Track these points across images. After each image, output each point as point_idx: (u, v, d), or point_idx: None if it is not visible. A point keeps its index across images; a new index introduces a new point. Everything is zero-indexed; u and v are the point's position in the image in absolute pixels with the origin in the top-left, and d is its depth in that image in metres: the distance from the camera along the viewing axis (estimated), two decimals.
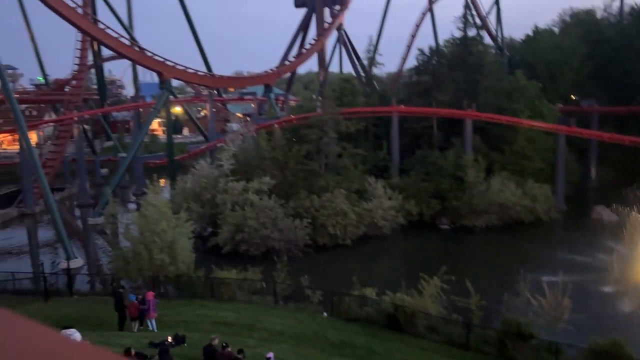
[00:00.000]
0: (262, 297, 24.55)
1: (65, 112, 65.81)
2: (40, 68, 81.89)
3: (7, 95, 39.64)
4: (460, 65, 52.03)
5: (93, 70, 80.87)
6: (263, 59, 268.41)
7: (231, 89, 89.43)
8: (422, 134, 47.39)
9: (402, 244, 39.65)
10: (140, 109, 70.27)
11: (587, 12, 79.13)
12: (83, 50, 70.06)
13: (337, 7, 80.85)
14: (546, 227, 41.42)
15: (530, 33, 71.85)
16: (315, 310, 23.16)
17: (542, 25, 75.35)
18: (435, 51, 55.91)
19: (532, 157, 45.66)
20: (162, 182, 53.35)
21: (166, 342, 15.27)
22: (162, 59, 49.97)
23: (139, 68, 75.94)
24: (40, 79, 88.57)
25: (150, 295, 19.65)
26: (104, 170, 69.60)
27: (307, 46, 78.92)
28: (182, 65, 53.00)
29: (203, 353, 14.91)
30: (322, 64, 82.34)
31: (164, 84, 50.47)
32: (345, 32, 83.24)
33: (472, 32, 54.42)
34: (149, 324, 19.54)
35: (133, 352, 13.98)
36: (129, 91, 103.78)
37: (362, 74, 76.24)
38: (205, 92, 73.50)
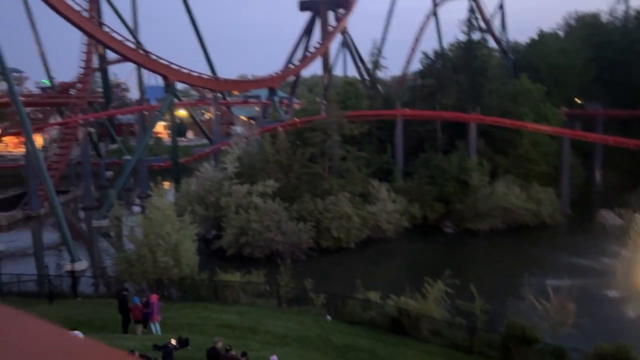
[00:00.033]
0: (265, 300, 24.55)
1: (71, 115, 66.12)
2: (46, 71, 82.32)
3: (13, 98, 39.84)
4: (465, 69, 52.00)
5: (98, 73, 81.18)
6: (267, 62, 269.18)
7: (235, 92, 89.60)
8: (426, 137, 47.35)
9: (406, 247, 39.58)
10: (145, 112, 70.51)
11: (592, 16, 78.89)
12: (88, 53, 70.48)
13: (342, 11, 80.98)
14: (551, 231, 41.27)
15: (535, 37, 71.76)
16: (318, 313, 23.13)
17: (546, 28, 75.34)
18: (440, 54, 55.88)
19: (536, 160, 45.53)
20: (167, 184, 53.42)
21: (170, 345, 15.28)
22: (167, 62, 50.17)
23: (144, 71, 76.18)
24: (46, 82, 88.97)
25: (154, 298, 19.67)
26: (109, 173, 69.84)
27: (312, 50, 79.06)
28: (186, 69, 53.19)
29: (206, 356, 14.92)
30: (327, 67, 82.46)
31: (168, 87, 50.64)
32: (350, 36, 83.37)
33: (476, 36, 54.40)
34: (153, 327, 19.55)
35: (137, 354, 13.99)
36: (134, 94, 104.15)
37: (366, 77, 76.27)
38: (209, 95, 73.78)
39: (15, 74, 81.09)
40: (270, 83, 70.05)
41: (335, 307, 23.33)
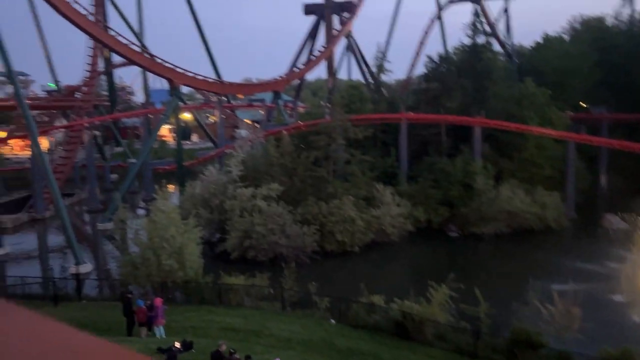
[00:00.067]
0: (269, 304, 24.53)
1: (76, 118, 66.42)
2: (52, 74, 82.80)
3: (19, 101, 40.08)
4: (469, 72, 51.97)
5: (103, 77, 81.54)
6: (272, 66, 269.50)
7: (240, 96, 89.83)
8: (431, 141, 47.32)
9: (410, 251, 39.51)
10: (150, 115, 70.76)
11: (597, 20, 78.77)
12: (94, 56, 70.84)
13: (346, 15, 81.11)
14: (556, 235, 41.12)
15: (540, 40, 71.69)
16: (322, 317, 23.11)
17: (551, 32, 75.26)
18: (444, 58, 55.92)
19: (541, 164, 45.42)
20: (171, 188, 53.64)
21: (174, 348, 15.29)
22: (172, 66, 50.36)
23: (149, 75, 76.50)
24: (52, 85, 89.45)
25: (158, 301, 19.69)
26: (114, 176, 70.07)
27: (316, 53, 79.19)
28: (192, 72, 53.36)
29: (210, 359, 14.92)
30: (331, 71, 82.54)
31: (173, 90, 50.82)
32: (354, 40, 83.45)
33: (481, 40, 54.38)
34: (157, 330, 19.57)
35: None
36: (139, 97, 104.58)
37: (371, 80, 76.32)
38: (214, 98, 73.96)
39: (21, 77, 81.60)
40: (274, 86, 70.18)
41: (339, 310, 23.30)
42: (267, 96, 77.66)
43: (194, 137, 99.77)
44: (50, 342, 0.99)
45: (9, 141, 77.50)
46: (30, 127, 39.13)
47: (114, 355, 1.03)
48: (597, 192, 52.47)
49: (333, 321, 22.80)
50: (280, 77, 72.18)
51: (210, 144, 76.53)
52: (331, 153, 41.21)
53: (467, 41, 54.39)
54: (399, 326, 21.27)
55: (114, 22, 74.44)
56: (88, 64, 71.44)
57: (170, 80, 50.46)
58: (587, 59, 62.97)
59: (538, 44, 71.86)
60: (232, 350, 15.04)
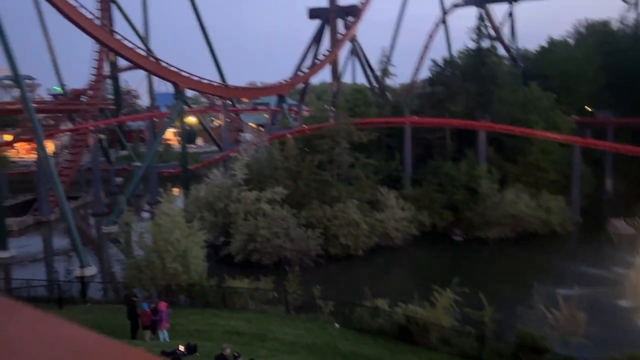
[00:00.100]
0: (274, 307, 24.53)
1: (82, 122, 66.73)
2: (58, 78, 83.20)
3: (26, 104, 40.30)
4: (474, 76, 51.94)
5: (109, 80, 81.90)
6: (276, 70, 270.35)
7: (245, 100, 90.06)
8: (435, 145, 47.27)
9: (415, 255, 39.43)
10: (155, 119, 71.01)
11: (602, 24, 78.60)
12: (100, 60, 71.20)
13: (351, 19, 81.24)
14: (561, 239, 40.96)
15: (545, 44, 71.61)
16: (326, 320, 23.08)
17: (556, 36, 75.14)
18: (449, 62, 55.88)
19: (546, 168, 45.29)
20: (176, 191, 53.74)
21: (178, 351, 15.31)
22: (177, 70, 50.53)
23: (154, 78, 76.77)
24: (57, 89, 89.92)
25: (162, 305, 19.71)
26: (119, 179, 70.28)
27: (321, 57, 79.32)
28: (197, 76, 53.55)
29: None
30: (335, 74, 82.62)
31: (178, 94, 50.99)
32: (359, 44, 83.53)
33: (485, 44, 54.38)
34: (161, 334, 19.59)
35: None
36: (144, 101, 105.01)
37: (375, 84, 76.40)
38: (219, 102, 74.19)
39: (27, 81, 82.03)
40: (279, 90, 70.31)
41: (343, 314, 23.27)
42: (272, 100, 77.85)
43: (199, 141, 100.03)
44: (63, 342, 1.00)
45: (15, 144, 77.92)
46: (36, 130, 39.33)
47: (128, 357, 1.04)
48: (602, 197, 52.26)
49: (337, 325, 22.77)
50: (285, 81, 72.31)
51: (214, 148, 76.74)
52: (335, 157, 41.23)
53: (471, 45, 54.45)
54: (403, 330, 21.22)
55: (120, 26, 74.92)
56: (94, 67, 71.81)
57: (175, 84, 50.64)
58: (592, 63, 62.81)
59: (543, 48, 71.77)
60: (236, 354, 15.03)
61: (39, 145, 40.53)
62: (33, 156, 64.43)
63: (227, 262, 35.04)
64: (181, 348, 15.78)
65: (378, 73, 70.84)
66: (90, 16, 42.48)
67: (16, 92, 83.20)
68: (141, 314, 19.92)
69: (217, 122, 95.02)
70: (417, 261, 38.99)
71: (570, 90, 59.68)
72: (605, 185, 53.26)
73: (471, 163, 43.98)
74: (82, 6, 40.62)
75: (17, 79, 39.69)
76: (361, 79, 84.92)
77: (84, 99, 73.88)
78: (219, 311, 23.57)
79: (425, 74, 67.91)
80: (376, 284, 27.77)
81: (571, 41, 76.10)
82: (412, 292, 23.08)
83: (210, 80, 57.83)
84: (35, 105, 61.17)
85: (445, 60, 55.11)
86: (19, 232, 47.50)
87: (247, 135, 76.54)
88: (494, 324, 21.01)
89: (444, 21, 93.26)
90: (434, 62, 53.50)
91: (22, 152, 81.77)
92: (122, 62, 72.49)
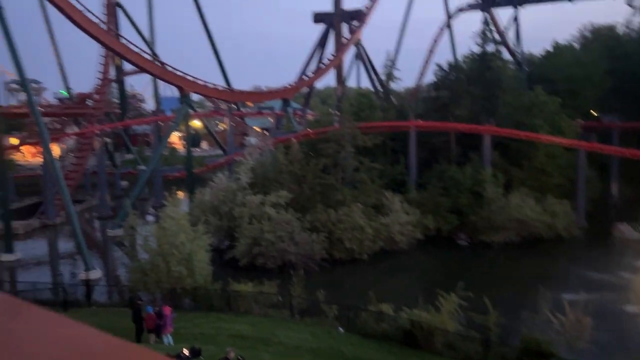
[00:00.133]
0: (278, 311, 24.52)
1: (87, 125, 67.05)
2: (64, 82, 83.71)
3: (32, 108, 40.53)
4: (479, 81, 51.89)
5: (114, 84, 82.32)
6: (281, 74, 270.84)
7: (250, 104, 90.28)
8: (440, 149, 47.21)
9: (419, 259, 39.35)
10: (160, 123, 71.28)
11: (608, 28, 78.55)
12: (106, 64, 71.60)
13: (355, 23, 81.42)
14: (566, 244, 40.78)
15: (550, 48, 71.55)
16: (331, 325, 23.05)
17: (561, 40, 75.12)
18: (454, 66, 55.87)
19: (551, 172, 45.15)
20: (181, 194, 53.86)
21: (182, 355, 15.30)
22: (182, 74, 50.72)
23: (160, 82, 77.15)
24: (64, 93, 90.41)
25: (167, 310, 19.73)
26: (124, 183, 70.51)
27: (325, 61, 79.49)
28: (202, 80, 53.73)
29: None
30: (340, 78, 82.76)
31: (184, 98, 51.15)
32: (363, 48, 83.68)
33: (490, 48, 54.33)
34: (165, 338, 19.60)
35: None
36: (150, 105, 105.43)
37: (380, 88, 76.45)
38: (224, 106, 74.37)
39: (34, 85, 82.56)
40: (284, 94, 70.47)
41: (348, 318, 23.23)
42: (277, 104, 77.99)
43: (204, 145, 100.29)
44: (72, 341, 1.02)
45: (20, 148, 78.34)
46: (43, 134, 39.54)
47: (137, 356, 1.06)
48: (608, 201, 52.01)
49: (341, 329, 22.73)
50: (290, 85, 72.48)
51: (219, 152, 76.95)
52: (340, 161, 41.23)
53: (476, 49, 54.39)
54: (408, 335, 21.17)
55: (126, 30, 75.31)
56: (100, 71, 72.23)
57: (180, 88, 50.81)
58: (597, 67, 62.68)
59: (548, 52, 71.71)
60: (240, 358, 15.03)
61: (45, 149, 40.74)
62: (39, 160, 64.81)
63: (232, 265, 35.08)
64: (185, 351, 15.78)
65: (383, 77, 70.87)
66: (96, 20, 42.71)
67: (23, 96, 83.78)
68: (146, 318, 19.94)
69: (222, 126, 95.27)
70: (421, 265, 38.90)
71: (575, 95, 59.56)
72: (611, 189, 53.00)
73: (476, 167, 43.88)
74: (88, 11, 40.85)
75: (24, 83, 39.98)
76: (366, 83, 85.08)
77: (89, 102, 74.22)
78: (224, 315, 23.58)
79: (430, 78, 67.93)
80: (381, 288, 27.70)
81: (576, 45, 76.06)
82: (417, 296, 23.03)
83: (215, 85, 58.03)
84: (42, 109, 61.56)
85: (450, 65, 55.11)
86: (25, 235, 47.69)
87: (252, 139, 76.69)
88: (499, 328, 20.93)
89: (448, 25, 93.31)
90: (439, 66, 53.52)
91: (28, 155, 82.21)
92: (127, 66, 73.00)
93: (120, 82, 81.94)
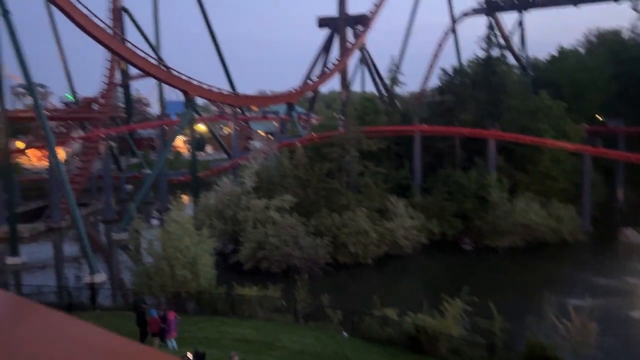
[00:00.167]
0: (282, 315, 24.49)
1: (93, 129, 67.34)
2: (70, 86, 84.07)
3: (38, 113, 40.76)
4: (484, 85, 51.84)
5: (119, 88, 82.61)
6: (286, 78, 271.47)
7: (254, 108, 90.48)
8: (445, 153, 47.16)
9: (424, 263, 39.25)
10: (166, 127, 71.50)
11: (613, 33, 78.38)
12: (111, 69, 71.94)
13: (360, 28, 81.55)
14: (571, 249, 40.62)
15: (555, 53, 71.47)
16: (335, 329, 23.00)
17: (566, 45, 75.01)
18: (459, 71, 55.84)
19: (556, 177, 45.01)
20: (186, 198, 53.98)
21: (186, 359, 15.29)
22: (187, 79, 50.90)
23: (165, 87, 77.40)
24: (69, 97, 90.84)
25: (171, 315, 19.74)
26: (129, 187, 70.71)
27: (330, 66, 79.61)
28: (207, 85, 53.90)
29: None
30: (345, 83, 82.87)
31: (189, 102, 51.31)
32: (368, 52, 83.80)
33: (495, 52, 54.31)
34: (169, 343, 19.60)
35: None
36: (155, 109, 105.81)
37: (384, 93, 76.48)
38: (229, 110, 74.59)
39: (40, 89, 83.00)
40: (288, 99, 70.57)
41: (352, 323, 23.18)
42: (281, 108, 78.09)
43: (209, 149, 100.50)
44: (86, 343, 1.04)
45: (26, 151, 78.71)
46: (48, 138, 39.73)
47: (143, 356, 1.07)
48: (613, 206, 51.81)
49: (346, 334, 22.68)
50: (294, 89, 72.60)
51: (224, 156, 77.09)
52: (345, 165, 41.24)
53: (481, 54, 54.38)
54: (413, 340, 21.09)
55: (131, 35, 75.65)
56: (105, 76, 72.57)
57: (185, 93, 50.98)
58: (603, 72, 62.52)
59: (553, 56, 71.64)
60: None
61: (51, 153, 40.92)
62: (44, 163, 65.09)
63: (236, 269, 35.08)
64: (189, 355, 15.77)
65: (387, 81, 70.93)
66: (102, 25, 42.95)
67: (29, 100, 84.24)
68: (150, 321, 19.94)
69: (226, 130, 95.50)
70: (426, 270, 38.81)
71: (581, 99, 59.42)
72: (617, 194, 52.80)
73: (481, 171, 43.79)
74: (94, 15, 41.09)
75: (30, 87, 40.21)
76: (370, 88, 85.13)
77: (95, 106, 74.56)
78: (228, 319, 23.56)
79: (434, 82, 67.97)
80: (385, 292, 27.64)
81: (582, 50, 75.89)
82: (422, 301, 22.96)
83: (220, 89, 58.18)
84: (48, 113, 61.88)
85: (455, 69, 55.08)
86: (31, 238, 47.88)
87: (257, 143, 76.79)
88: (504, 333, 20.83)
89: (453, 30, 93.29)
90: (444, 70, 53.52)
91: (34, 159, 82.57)
92: (133, 71, 73.25)
93: (125, 87, 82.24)
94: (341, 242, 36.91)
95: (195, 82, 51.77)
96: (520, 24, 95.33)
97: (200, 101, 69.19)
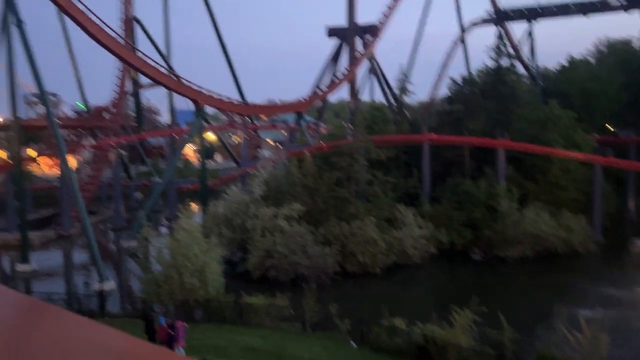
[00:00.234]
0: (290, 324, 24.43)
1: (104, 138, 67.91)
2: (81, 95, 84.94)
3: (51, 121, 41.16)
4: (493, 95, 51.75)
5: (130, 97, 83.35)
6: (295, 88, 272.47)
7: (263, 117, 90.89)
8: (454, 162, 47.03)
9: (433, 273, 39.03)
10: (175, 136, 71.96)
11: (623, 42, 78.09)
12: (122, 78, 72.66)
13: (369, 38, 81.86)
14: (582, 259, 40.25)
15: (565, 63, 71.31)
16: (343, 339, 22.90)
17: (576, 55, 74.87)
18: (468, 80, 55.81)
19: (566, 187, 44.72)
20: (195, 207, 54.17)
21: None
22: (198, 88, 51.26)
23: (175, 95, 78.01)
24: (80, 105, 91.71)
25: (179, 324, 19.76)
26: (138, 195, 71.08)
27: (339, 75, 79.91)
28: (217, 94, 54.25)
29: None
30: (353, 92, 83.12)
31: (199, 111, 51.62)
32: (377, 62, 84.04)
33: (505, 62, 54.24)
34: (177, 351, 19.58)
35: None
36: (165, 118, 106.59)
37: (393, 102, 76.57)
38: (238, 119, 74.97)
39: (52, 98, 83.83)
40: (297, 108, 70.84)
41: (361, 333, 23.06)
42: (290, 117, 78.37)
43: (218, 157, 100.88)
44: (108, 346, 1.06)
45: (38, 159, 79.41)
46: (60, 146, 40.09)
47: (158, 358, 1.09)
48: (624, 216, 51.34)
49: (354, 344, 22.57)
50: (303, 98, 72.88)
51: (233, 164, 77.37)
52: (353, 174, 41.22)
53: (490, 63, 54.33)
54: (421, 350, 20.95)
55: (142, 44, 76.39)
56: (116, 85, 73.31)
57: (195, 102, 51.29)
58: (613, 81, 62.26)
59: (563, 66, 71.51)
60: None
61: (62, 161, 41.27)
62: (56, 171, 65.65)
63: (244, 278, 35.06)
64: None
65: (396, 91, 71.04)
66: (114, 35, 43.41)
67: (41, 109, 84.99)
68: (158, 329, 19.98)
69: (235, 139, 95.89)
70: (435, 280, 38.59)
71: (591, 109, 59.17)
72: (628, 204, 52.34)
73: (490, 181, 43.58)
74: (106, 25, 41.56)
75: (42, 96, 40.66)
76: (379, 97, 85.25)
77: (106, 115, 75.23)
78: (236, 327, 23.55)
79: (443, 92, 67.95)
80: (394, 302, 27.49)
81: (592, 60, 75.66)
82: (430, 311, 22.82)
83: (230, 98, 58.51)
84: (59, 121, 62.50)
85: (464, 79, 55.08)
86: (41, 245, 48.19)
87: (266, 152, 77.07)
88: (514, 344, 20.63)
89: (462, 40, 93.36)
90: (453, 80, 53.53)
91: (45, 167, 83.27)
92: (144, 80, 73.98)
93: (136, 95, 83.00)
94: (349, 251, 36.82)
95: (205, 92, 52.11)
96: (530, 33, 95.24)
97: (210, 110, 69.61)
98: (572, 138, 47.39)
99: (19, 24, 37.75)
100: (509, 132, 46.75)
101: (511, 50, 73.16)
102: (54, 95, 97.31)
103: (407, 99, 64.65)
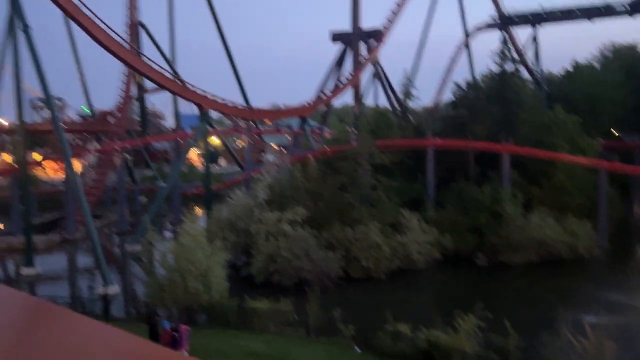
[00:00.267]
0: (294, 329, 24.37)
1: (108, 142, 68.15)
2: (86, 99, 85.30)
3: (56, 125, 41.36)
4: (498, 99, 51.70)
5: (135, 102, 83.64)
6: (299, 92, 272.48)
7: (268, 121, 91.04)
8: (458, 167, 46.94)
9: (437, 278, 38.91)
10: (180, 140, 72.14)
11: (629, 47, 77.92)
12: (127, 82, 72.95)
13: (373, 42, 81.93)
14: (587, 265, 40.05)
15: (570, 68, 71.20)
16: (347, 344, 22.83)
17: (581, 59, 74.71)
18: (472, 85, 55.78)
19: (571, 192, 44.54)
20: (199, 211, 54.24)
21: None
22: (202, 92, 51.42)
23: (180, 100, 78.23)
24: (85, 109, 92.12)
25: (183, 328, 19.76)
26: (143, 199, 71.23)
27: (343, 80, 79.98)
28: (221, 98, 54.38)
29: None
30: (357, 97, 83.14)
31: (203, 115, 51.76)
32: (381, 67, 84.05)
33: (509, 67, 54.20)
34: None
35: None
36: (170, 122, 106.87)
37: (397, 107, 76.55)
38: (242, 124, 75.08)
39: (57, 102, 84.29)
40: (301, 112, 70.95)
41: (365, 338, 22.99)
42: (295, 122, 78.46)
43: (222, 162, 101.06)
44: (116, 348, 1.06)
45: (43, 163, 79.77)
46: (65, 150, 40.26)
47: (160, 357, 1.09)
48: (629, 221, 51.10)
49: (358, 349, 22.51)
50: (308, 103, 72.97)
51: (237, 168, 77.54)
52: (357, 179, 41.19)
53: (495, 68, 54.30)
54: (426, 355, 20.88)
55: (148, 49, 76.71)
56: (121, 89, 73.59)
57: (200, 106, 51.44)
58: (618, 86, 62.12)
59: (568, 71, 71.41)
60: None
61: (67, 165, 41.42)
62: (60, 175, 65.90)
63: (248, 282, 35.05)
64: None
65: (400, 95, 71.05)
66: (119, 40, 43.62)
67: (46, 113, 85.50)
68: (162, 333, 19.98)
69: (239, 143, 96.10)
70: (439, 285, 38.46)
71: (596, 114, 58.99)
72: (633, 209, 52.12)
73: (495, 186, 43.43)
74: (112, 30, 41.79)
75: (48, 101, 40.89)
76: (383, 102, 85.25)
77: (111, 119, 75.51)
78: (240, 332, 23.53)
79: (448, 96, 67.93)
80: (398, 307, 27.40)
81: (597, 65, 75.51)
82: (435, 316, 22.74)
83: (234, 102, 58.65)
84: (64, 125, 62.78)
85: (468, 83, 55.05)
86: (45, 249, 48.31)
87: (270, 156, 77.18)
88: (519, 350, 20.53)
89: (466, 44, 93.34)
90: (457, 85, 53.54)
91: (50, 171, 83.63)
92: (149, 84, 74.19)
93: (141, 100, 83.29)
94: (353, 256, 36.76)
95: (209, 96, 52.26)
96: (535, 38, 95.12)
97: (214, 114, 69.81)
98: (577, 143, 47.22)
99: (25, 28, 38.01)
100: (514, 137, 46.63)
101: (516, 55, 73.13)
102: (60, 99, 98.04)
103: (411, 104, 64.69)
